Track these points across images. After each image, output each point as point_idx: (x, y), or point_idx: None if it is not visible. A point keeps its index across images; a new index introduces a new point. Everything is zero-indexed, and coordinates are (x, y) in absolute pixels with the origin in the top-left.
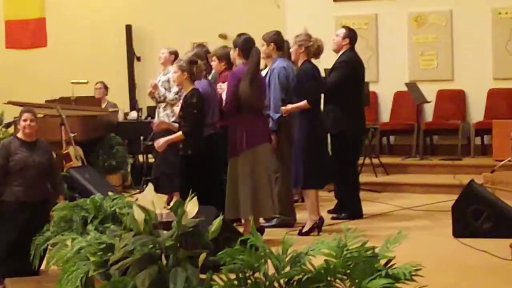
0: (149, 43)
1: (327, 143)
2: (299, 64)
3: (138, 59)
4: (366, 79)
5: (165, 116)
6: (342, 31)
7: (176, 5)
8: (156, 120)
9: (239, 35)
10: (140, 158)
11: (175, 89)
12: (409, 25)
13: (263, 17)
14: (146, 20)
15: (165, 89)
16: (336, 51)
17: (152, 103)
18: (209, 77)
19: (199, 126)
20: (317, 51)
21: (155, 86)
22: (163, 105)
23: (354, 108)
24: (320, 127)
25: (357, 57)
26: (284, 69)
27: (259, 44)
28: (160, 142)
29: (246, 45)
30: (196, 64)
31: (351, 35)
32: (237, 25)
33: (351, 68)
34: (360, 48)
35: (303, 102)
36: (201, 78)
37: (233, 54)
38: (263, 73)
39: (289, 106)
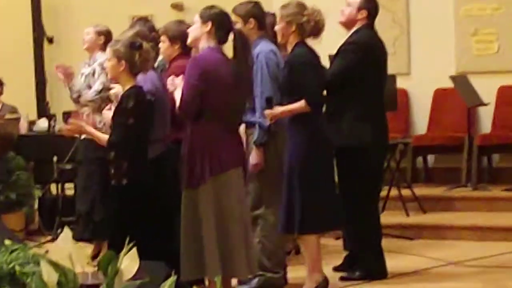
0: (66, 18)
1: (333, 167)
2: (289, 48)
3: (50, 41)
4: (392, 71)
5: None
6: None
7: None
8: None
9: (209, 6)
10: (53, 188)
11: (97, 85)
12: None
13: None
14: None
15: (89, 86)
16: (346, 26)
17: (72, 106)
18: (155, 64)
19: (138, 145)
20: (315, 29)
21: (68, 73)
22: (87, 110)
23: (371, 112)
24: (324, 142)
25: (377, 38)
26: (273, 53)
27: None
28: (71, 123)
29: (223, 20)
30: (139, 49)
31: (371, 6)
32: None
33: (364, 52)
34: (383, 24)
35: (300, 103)
36: (147, 70)
37: (199, 30)
38: None
39: (279, 109)
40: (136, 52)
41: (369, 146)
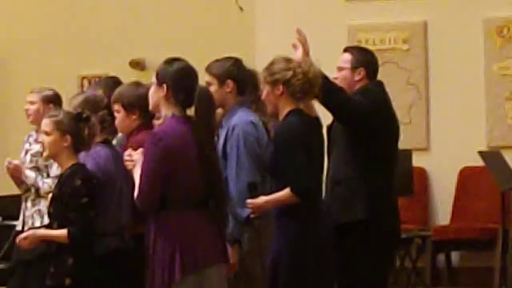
0: (3, 78)
1: (332, 272)
2: (281, 117)
3: None
4: (407, 145)
5: (36, 214)
6: (348, 58)
7: (48, 13)
8: (26, 231)
9: (168, 61)
10: None
11: (56, 170)
12: (486, 42)
13: (215, 29)
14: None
15: (37, 169)
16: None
17: (5, 190)
18: (114, 142)
19: (90, 233)
20: (307, 84)
21: (17, 168)
22: (32, 195)
23: (379, 182)
24: (319, 241)
25: (385, 94)
26: (254, 126)
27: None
28: (25, 237)
29: (181, 79)
30: (86, 121)
31: (367, 61)
32: (164, 44)
33: (373, 102)
34: (396, 87)
35: (285, 192)
36: (90, 147)
37: (155, 95)
38: None
39: (262, 198)
40: (84, 125)
41: (377, 224)
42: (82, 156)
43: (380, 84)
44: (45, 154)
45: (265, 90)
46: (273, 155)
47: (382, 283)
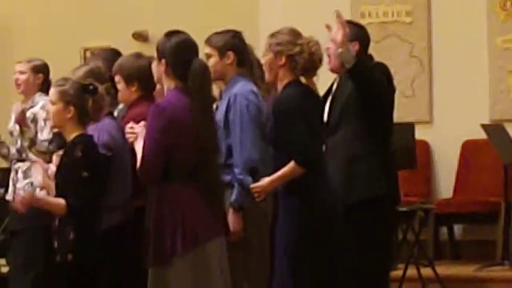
0: (5, 51)
1: (338, 244)
2: (280, 88)
3: None
4: (410, 118)
5: (28, 186)
6: (337, 27)
7: None
8: (18, 192)
9: (167, 35)
10: None
11: (46, 134)
12: (489, 15)
13: (218, 1)
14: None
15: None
16: (335, 69)
17: (1, 162)
18: (115, 113)
19: (91, 209)
20: (309, 63)
21: (24, 111)
22: (23, 166)
23: (392, 156)
24: (326, 210)
25: (384, 66)
26: (255, 95)
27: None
28: (23, 197)
29: (179, 54)
30: (93, 94)
31: (362, 35)
32: (167, 15)
33: (388, 78)
34: (398, 60)
35: (289, 166)
36: (99, 119)
37: (157, 69)
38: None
39: (266, 180)
40: (89, 97)
41: (384, 197)
42: (92, 129)
43: (372, 58)
44: (51, 124)
45: (267, 56)
46: (272, 128)
47: (391, 256)
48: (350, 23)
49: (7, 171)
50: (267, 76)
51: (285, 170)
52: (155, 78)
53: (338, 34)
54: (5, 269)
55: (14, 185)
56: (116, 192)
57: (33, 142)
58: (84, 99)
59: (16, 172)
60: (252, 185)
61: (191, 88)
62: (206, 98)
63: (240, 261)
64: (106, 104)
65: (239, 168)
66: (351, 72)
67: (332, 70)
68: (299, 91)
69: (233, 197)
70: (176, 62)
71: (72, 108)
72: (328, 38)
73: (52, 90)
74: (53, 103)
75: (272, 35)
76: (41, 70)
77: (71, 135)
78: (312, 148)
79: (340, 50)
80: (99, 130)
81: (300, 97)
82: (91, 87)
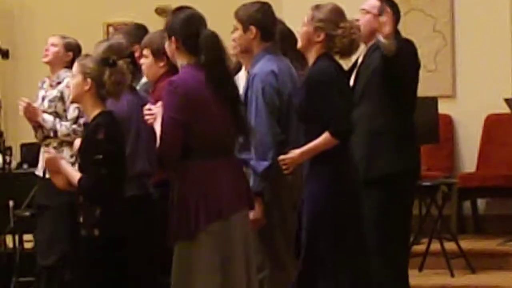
0: (23, 27)
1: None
2: (310, 60)
3: (5, 55)
4: (433, 92)
5: None
6: (374, 4)
7: None
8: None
9: (175, 10)
10: (9, 241)
11: (71, 112)
12: None
13: None
14: None
15: (56, 114)
16: (365, 39)
17: (32, 137)
18: (137, 87)
19: (113, 185)
20: (348, 48)
21: (33, 111)
22: (54, 143)
23: (404, 131)
24: (354, 184)
25: (411, 44)
26: (274, 76)
27: (222, 27)
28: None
29: (188, 28)
30: (112, 67)
31: (394, 11)
32: None
33: (415, 56)
34: (421, 34)
35: (323, 137)
36: (119, 96)
37: (169, 48)
38: (240, 81)
39: (296, 152)
40: (107, 70)
41: (405, 173)
42: (109, 105)
43: (399, 33)
44: (71, 100)
45: (306, 27)
46: (305, 99)
47: (409, 231)
48: None
49: (31, 146)
50: (299, 45)
51: (319, 141)
52: (169, 56)
53: (386, 26)
54: (29, 245)
55: (44, 161)
56: (137, 162)
57: (55, 132)
58: (101, 72)
59: (46, 148)
60: (281, 157)
61: (204, 62)
62: (221, 70)
63: (261, 249)
64: (126, 80)
65: (252, 154)
66: (389, 60)
67: (363, 37)
68: (332, 64)
69: (251, 183)
70: (186, 37)
71: (89, 80)
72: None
73: (75, 64)
74: (74, 76)
75: (317, 8)
76: (73, 48)
77: (92, 112)
78: (346, 120)
79: (385, 41)
80: (113, 108)
81: (333, 69)
82: (110, 60)
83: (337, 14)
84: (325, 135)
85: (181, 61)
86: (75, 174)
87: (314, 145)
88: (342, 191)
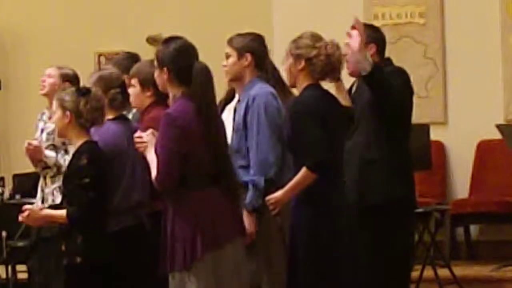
0: (16, 57)
1: (354, 246)
2: (299, 91)
3: None
4: (425, 119)
5: (57, 191)
6: (355, 33)
7: None
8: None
9: (167, 40)
10: (2, 272)
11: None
12: (502, 15)
13: (232, 4)
14: (15, 19)
15: (54, 146)
16: (354, 74)
17: (24, 168)
18: (130, 116)
19: (96, 213)
20: (328, 66)
21: (37, 149)
22: (50, 173)
23: (399, 160)
24: (339, 216)
25: (404, 72)
26: (273, 98)
27: (212, 56)
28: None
29: (180, 60)
30: (85, 96)
31: (378, 37)
32: (181, 19)
33: (407, 84)
34: (412, 61)
35: (301, 172)
36: (100, 122)
37: (159, 78)
38: (231, 107)
39: (279, 192)
40: (82, 99)
41: (403, 201)
42: (93, 133)
43: (391, 61)
44: (57, 134)
45: (288, 61)
46: (290, 133)
47: (410, 260)
48: (366, 25)
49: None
50: (288, 80)
51: (298, 178)
52: (160, 86)
53: (356, 40)
54: (22, 276)
55: (42, 191)
56: (123, 195)
57: (58, 167)
58: (78, 101)
59: (44, 177)
60: (267, 197)
61: (193, 93)
62: (209, 102)
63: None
64: (103, 105)
65: (254, 170)
66: (367, 79)
67: (351, 75)
68: (316, 94)
69: (248, 199)
70: (178, 68)
71: (68, 113)
72: (344, 41)
73: (54, 100)
74: (54, 112)
75: (293, 41)
76: (69, 79)
77: (77, 142)
78: (323, 153)
79: (357, 57)
80: (95, 135)
81: (316, 100)
82: (83, 90)
83: (313, 38)
84: (303, 170)
85: (173, 92)
86: (60, 212)
87: (295, 182)
88: (320, 236)
